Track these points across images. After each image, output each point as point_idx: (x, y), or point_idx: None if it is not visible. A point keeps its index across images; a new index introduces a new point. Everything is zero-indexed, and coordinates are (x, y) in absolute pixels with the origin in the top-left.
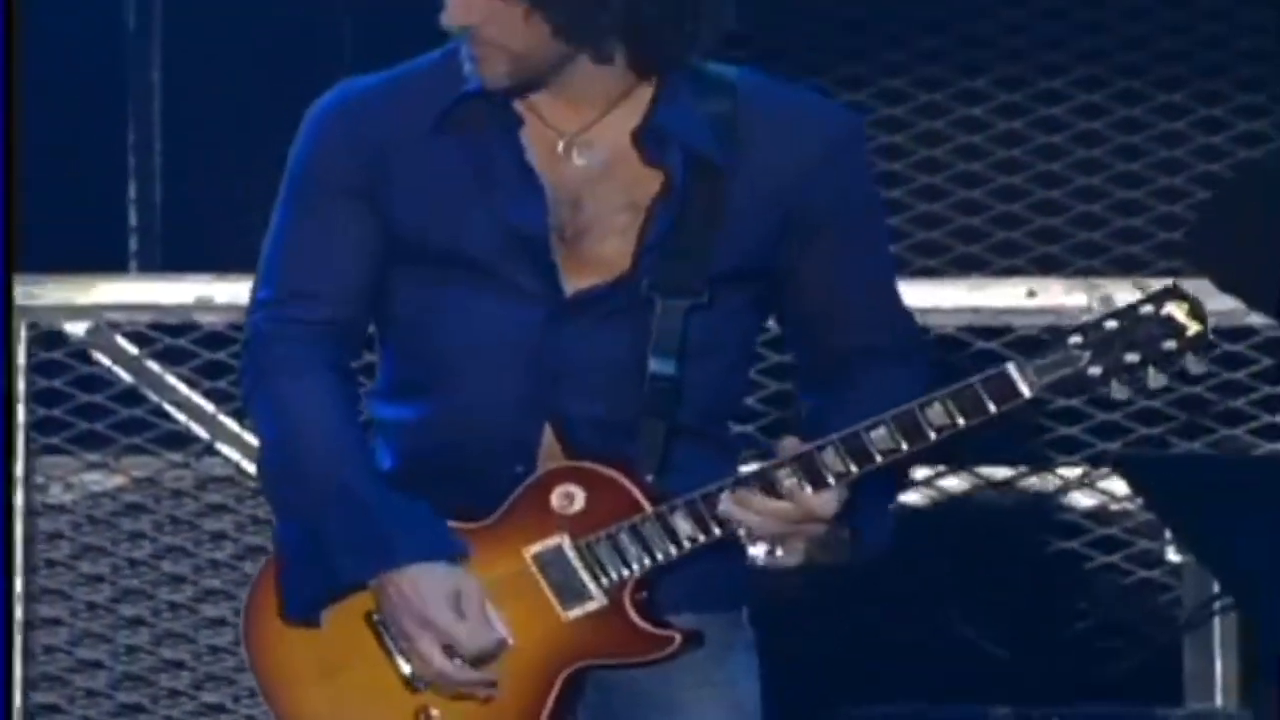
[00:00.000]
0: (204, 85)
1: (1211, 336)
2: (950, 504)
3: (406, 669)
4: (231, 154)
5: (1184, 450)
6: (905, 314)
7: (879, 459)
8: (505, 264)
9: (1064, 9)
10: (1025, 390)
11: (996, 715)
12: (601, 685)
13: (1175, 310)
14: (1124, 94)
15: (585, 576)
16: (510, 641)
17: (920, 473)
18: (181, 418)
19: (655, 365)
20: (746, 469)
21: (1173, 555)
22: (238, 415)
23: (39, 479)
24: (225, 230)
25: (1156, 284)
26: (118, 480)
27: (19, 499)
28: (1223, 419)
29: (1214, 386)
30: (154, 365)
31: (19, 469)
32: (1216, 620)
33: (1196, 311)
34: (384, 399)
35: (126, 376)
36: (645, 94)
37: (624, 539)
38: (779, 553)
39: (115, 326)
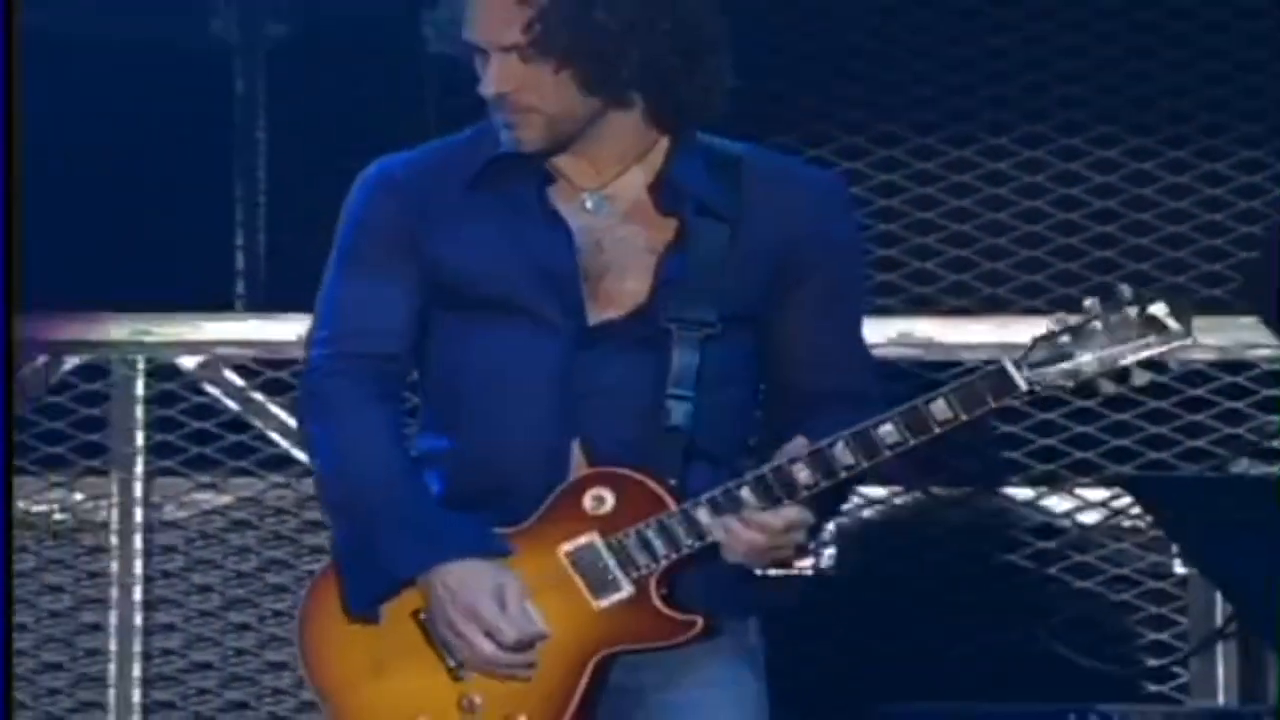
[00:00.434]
0: (303, 143)
1: (1192, 337)
2: (980, 520)
3: (451, 661)
4: (327, 206)
5: (1189, 472)
6: (871, 362)
7: (887, 453)
8: (535, 299)
9: (1082, 73)
10: (1021, 384)
11: (1024, 712)
12: (613, 690)
13: (1157, 311)
14: (1136, 150)
15: (615, 569)
16: (547, 632)
17: (950, 492)
18: (283, 443)
19: (674, 387)
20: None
21: (1179, 568)
22: None
23: (156, 498)
24: (321, 274)
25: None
26: (226, 499)
27: (138, 517)
28: (1223, 445)
29: (1216, 415)
30: (258, 395)
31: (138, 490)
32: (1219, 613)
33: (1177, 312)
34: (427, 433)
35: (234, 406)
36: (660, 154)
37: (651, 534)
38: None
39: (224, 361)
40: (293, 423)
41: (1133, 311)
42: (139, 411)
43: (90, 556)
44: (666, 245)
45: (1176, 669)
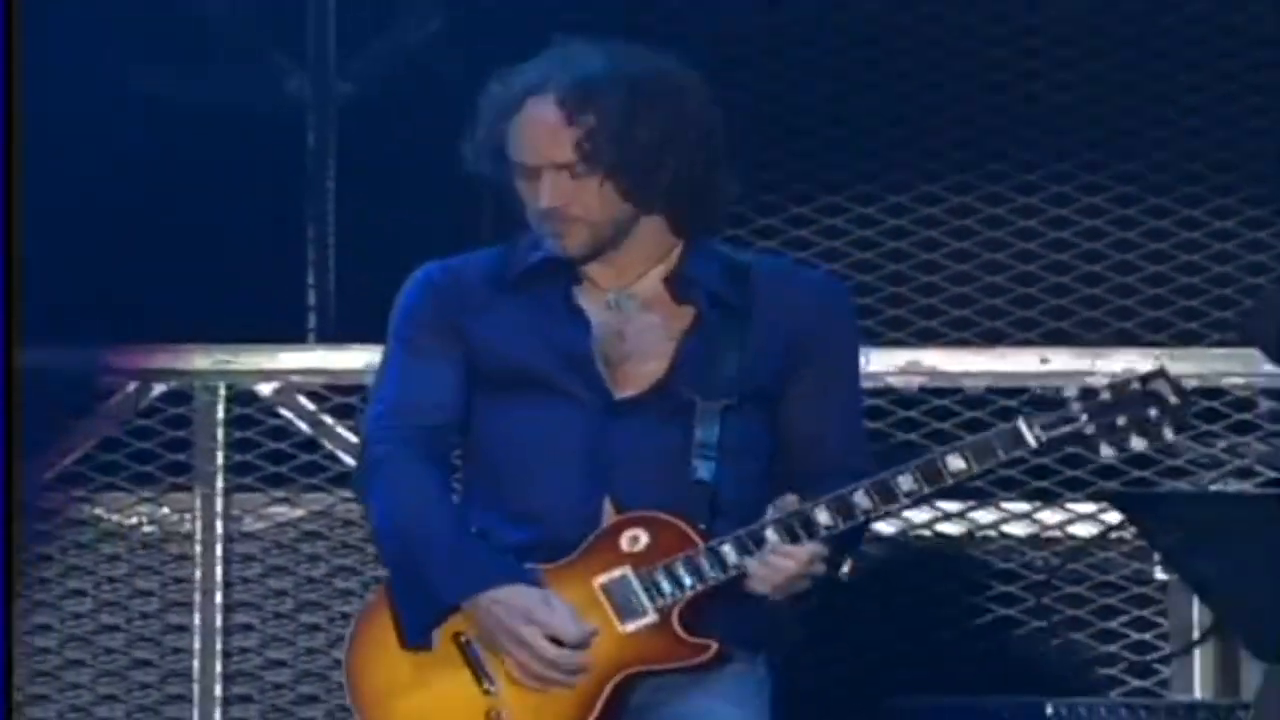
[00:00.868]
0: (368, 191)
1: (1189, 414)
2: (980, 531)
3: (481, 676)
4: (389, 247)
5: (1169, 488)
6: (865, 441)
7: (904, 499)
8: (562, 378)
9: (1070, 129)
10: (1032, 442)
11: (1014, 705)
12: (632, 708)
13: (1160, 387)
14: (1121, 198)
15: (643, 597)
16: (596, 628)
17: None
18: (350, 461)
19: (699, 449)
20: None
21: (1160, 575)
22: None
23: (235, 511)
24: (387, 307)
25: (1143, 354)
26: (299, 512)
27: (219, 528)
28: (1199, 464)
29: (1193, 436)
30: (328, 419)
31: (219, 504)
32: (1196, 617)
33: (1178, 389)
34: (473, 507)
35: (306, 428)
36: (675, 257)
37: (679, 568)
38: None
39: (297, 387)
40: (358, 442)
41: (1136, 386)
42: (220, 433)
43: (176, 564)
44: (684, 331)
45: (1158, 666)
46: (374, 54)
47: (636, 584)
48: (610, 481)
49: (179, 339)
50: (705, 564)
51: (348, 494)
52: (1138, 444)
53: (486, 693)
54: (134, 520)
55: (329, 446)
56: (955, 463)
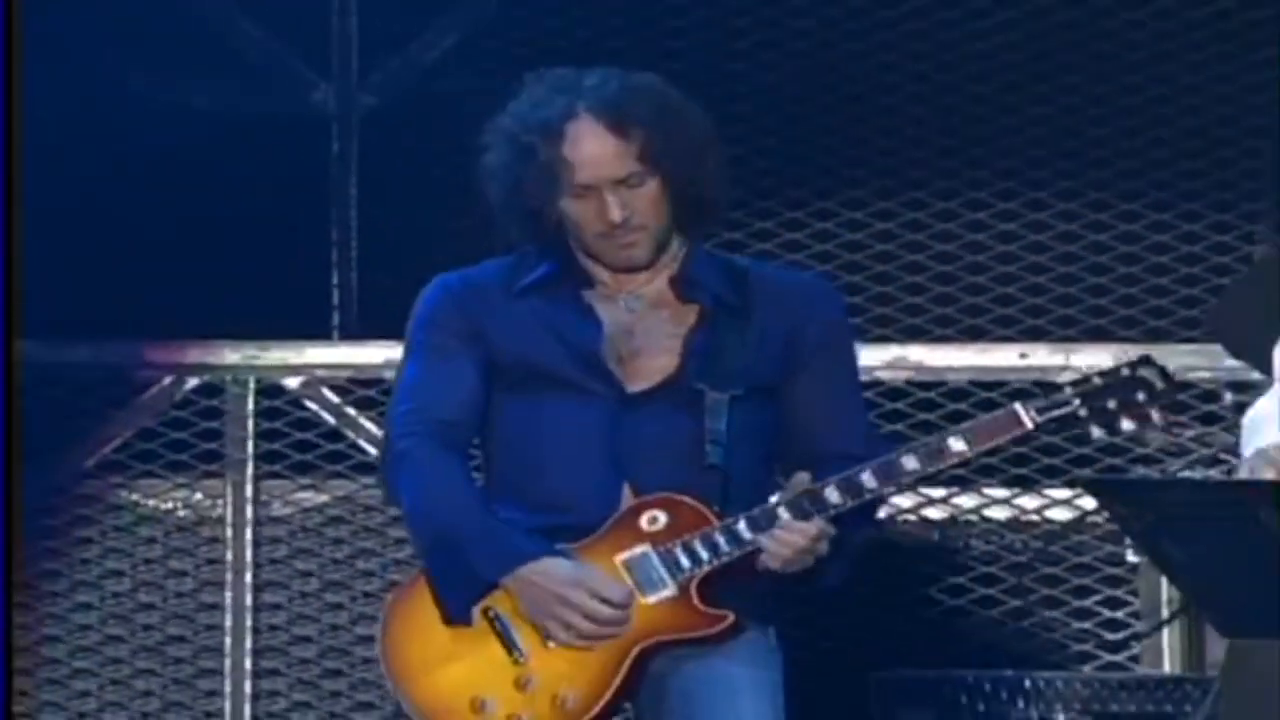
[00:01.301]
0: (388, 196)
1: (1176, 398)
2: (962, 515)
3: (511, 646)
4: (408, 249)
5: (1139, 475)
6: (864, 426)
7: (906, 479)
8: (578, 375)
9: (1047, 139)
10: (1028, 424)
11: (1002, 678)
12: (653, 673)
13: (1149, 374)
14: (1095, 204)
15: (663, 572)
16: (632, 587)
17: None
18: (372, 450)
19: (710, 436)
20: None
21: (1131, 557)
22: None
23: (264, 497)
24: (407, 306)
25: (1115, 349)
26: (324, 498)
27: (248, 512)
28: (1167, 452)
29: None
30: (351, 410)
31: (249, 490)
32: (1165, 596)
33: (1166, 375)
34: (492, 497)
35: (330, 419)
36: (677, 258)
37: (696, 544)
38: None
39: (322, 381)
40: (380, 432)
41: (1126, 371)
42: (250, 424)
43: (208, 546)
44: (690, 328)
45: (1129, 643)
46: (394, 69)
47: (656, 560)
48: (629, 468)
49: (211, 336)
50: (721, 540)
51: (369, 481)
52: (1127, 425)
53: (516, 662)
54: (169, 505)
55: (352, 436)
56: (957, 445)
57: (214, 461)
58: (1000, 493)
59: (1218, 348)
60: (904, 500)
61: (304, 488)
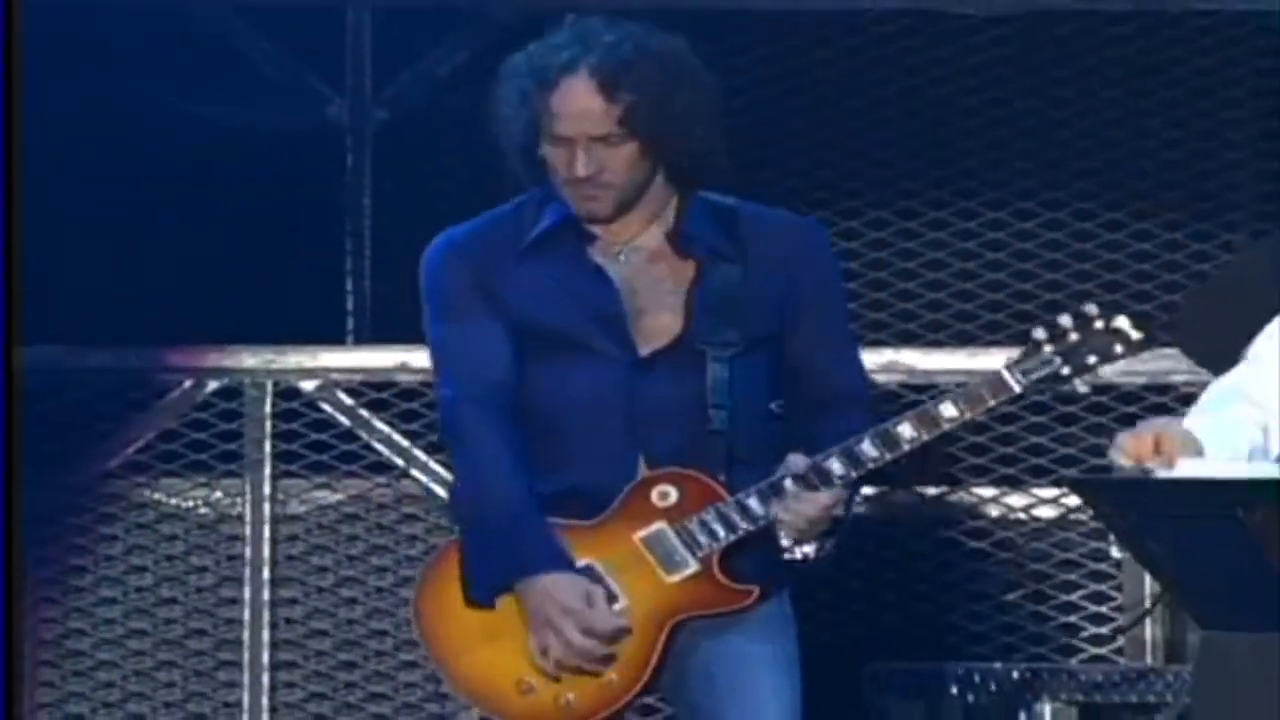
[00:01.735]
0: (400, 207)
1: (1152, 338)
2: (952, 513)
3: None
4: (420, 256)
5: (1122, 475)
6: (863, 370)
7: (905, 446)
8: (593, 338)
9: (1034, 152)
10: (1015, 387)
11: (984, 671)
12: (675, 650)
13: (1121, 322)
14: (1080, 213)
15: (683, 549)
16: (630, 627)
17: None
18: (385, 451)
19: (713, 398)
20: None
21: (1114, 553)
22: (427, 450)
23: (281, 496)
24: (417, 313)
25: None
26: (338, 497)
27: (266, 510)
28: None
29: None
30: (365, 412)
31: (267, 489)
32: (1147, 589)
33: (1138, 323)
34: None
35: (345, 421)
36: (672, 210)
37: (710, 519)
38: (806, 547)
39: (337, 384)
40: (393, 434)
41: (1100, 324)
42: (267, 425)
43: (228, 544)
44: (690, 283)
45: (1113, 635)
46: (406, 83)
47: (674, 538)
48: (643, 436)
49: (230, 341)
50: (735, 515)
51: (383, 480)
52: (1108, 371)
53: None
54: (190, 504)
55: (365, 438)
56: (949, 410)
57: (233, 462)
58: (989, 491)
59: None
60: (897, 498)
61: (319, 487)
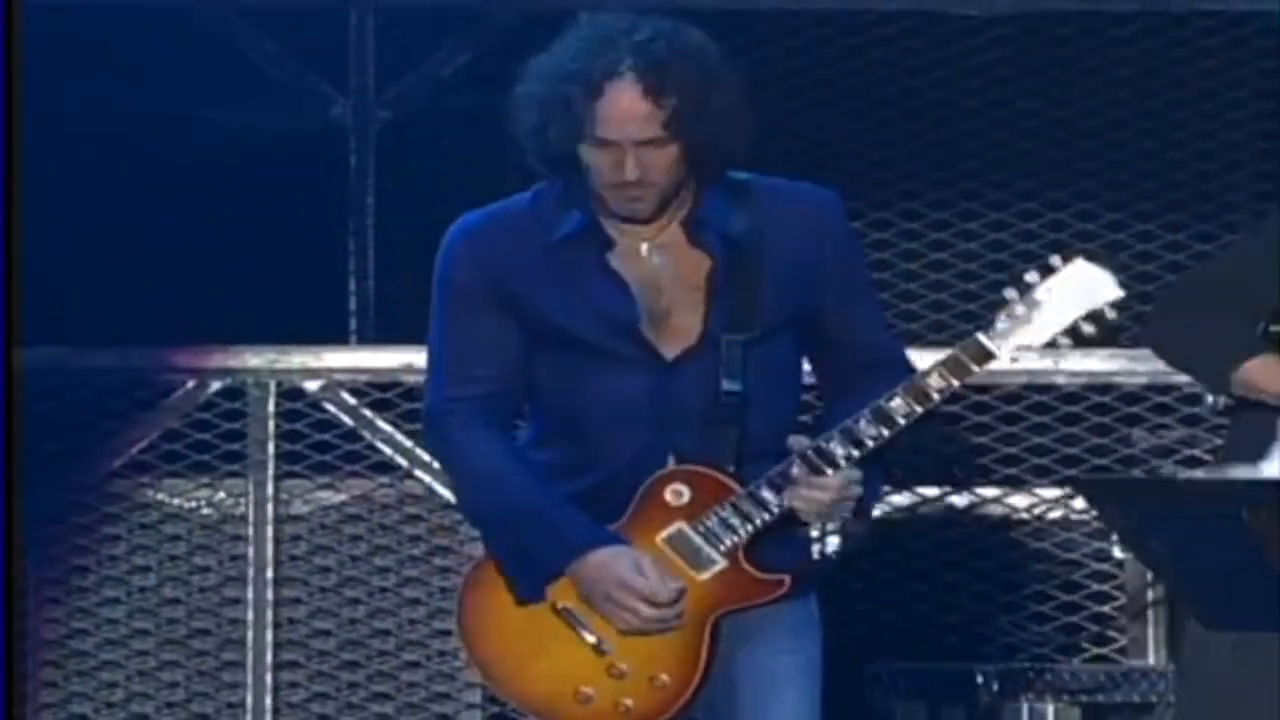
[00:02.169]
0: (404, 207)
1: (1123, 292)
2: (956, 514)
3: (591, 638)
4: (424, 259)
5: (1125, 475)
6: (893, 335)
7: (901, 420)
8: (608, 343)
9: (1036, 149)
10: (995, 352)
11: (987, 671)
12: None
13: (1092, 273)
14: (1081, 214)
15: (706, 547)
16: (685, 585)
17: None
18: (388, 451)
19: (725, 384)
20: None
21: (1117, 552)
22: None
23: (284, 496)
24: (422, 313)
25: (1101, 355)
26: (341, 497)
27: (270, 510)
28: (1152, 453)
29: (1147, 429)
30: (368, 412)
31: (270, 489)
32: (1149, 594)
33: (1099, 261)
34: (535, 447)
35: (348, 421)
36: (690, 196)
37: (728, 514)
38: (828, 529)
39: (340, 384)
40: (396, 435)
41: (1067, 272)
42: (271, 426)
43: (231, 544)
44: (707, 276)
45: (1115, 635)
46: (409, 84)
47: (695, 537)
48: (674, 436)
49: (234, 341)
50: (750, 507)
51: (386, 480)
52: (1089, 330)
53: (603, 653)
54: (193, 504)
55: (369, 438)
56: (935, 381)
57: (236, 462)
58: (991, 492)
59: None
60: (900, 499)
61: (323, 487)
